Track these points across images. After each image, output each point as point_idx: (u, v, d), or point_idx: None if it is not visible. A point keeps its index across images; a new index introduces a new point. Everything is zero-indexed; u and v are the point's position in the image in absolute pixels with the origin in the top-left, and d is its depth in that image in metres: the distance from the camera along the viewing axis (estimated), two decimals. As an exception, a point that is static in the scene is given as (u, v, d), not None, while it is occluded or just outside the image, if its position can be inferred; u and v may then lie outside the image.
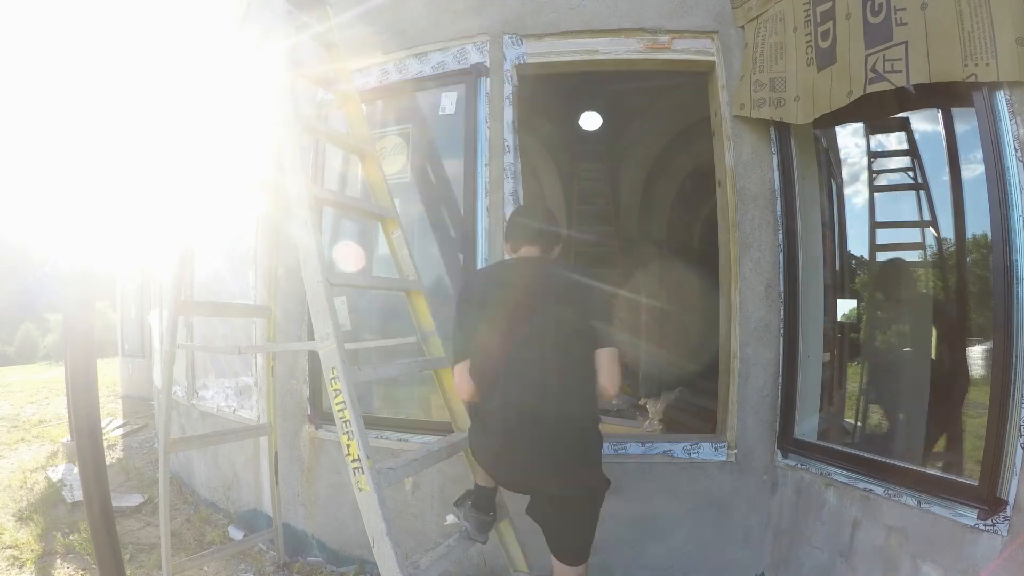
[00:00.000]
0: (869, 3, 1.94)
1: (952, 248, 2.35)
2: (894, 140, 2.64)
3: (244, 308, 3.20)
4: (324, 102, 3.12)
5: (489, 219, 2.69)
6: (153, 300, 5.89)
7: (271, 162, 2.94)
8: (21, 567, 3.00)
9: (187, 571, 2.71)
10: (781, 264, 2.48)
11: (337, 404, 1.69)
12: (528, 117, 2.98)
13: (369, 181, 2.46)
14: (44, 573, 2.94)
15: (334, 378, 1.70)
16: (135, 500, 3.93)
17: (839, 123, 2.59)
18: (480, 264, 2.72)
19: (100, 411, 2.57)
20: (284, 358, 3.12)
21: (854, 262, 2.79)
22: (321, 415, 3.05)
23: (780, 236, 2.48)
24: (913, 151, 2.54)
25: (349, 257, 2.96)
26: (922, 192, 2.58)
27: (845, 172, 2.71)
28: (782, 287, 2.47)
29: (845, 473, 2.16)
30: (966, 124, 2.04)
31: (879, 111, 2.44)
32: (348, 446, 1.66)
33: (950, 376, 2.32)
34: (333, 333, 1.70)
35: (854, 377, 2.76)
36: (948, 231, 2.40)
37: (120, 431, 6.50)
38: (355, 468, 1.65)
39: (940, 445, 2.39)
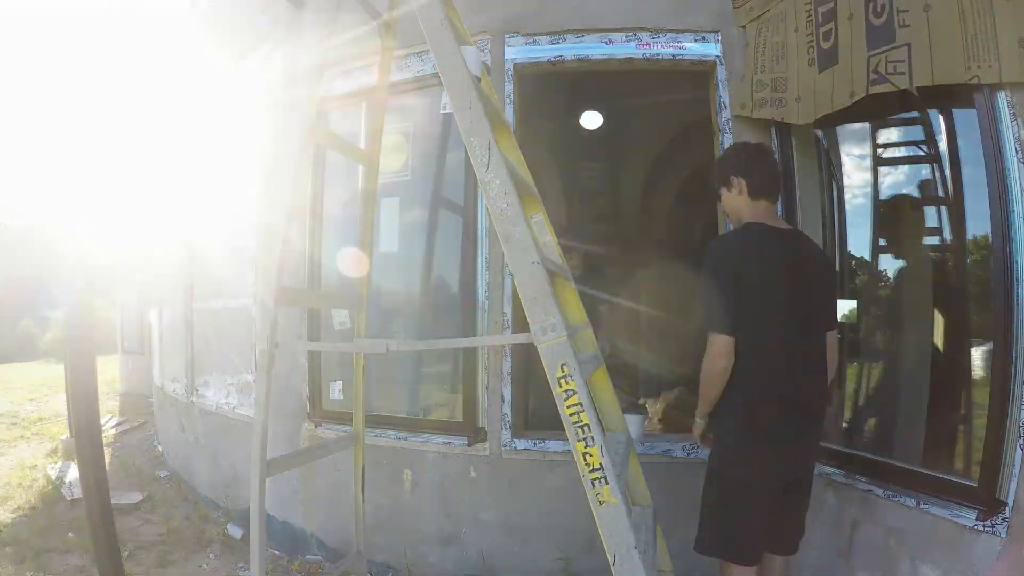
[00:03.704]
0: (872, 4, 1.93)
1: (952, 249, 2.35)
2: (894, 140, 2.64)
3: (340, 298, 2.79)
4: (325, 99, 3.12)
5: (490, 218, 2.68)
6: (153, 298, 5.89)
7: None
8: (20, 564, 3.00)
9: (182, 567, 2.72)
10: (781, 264, 2.47)
11: (570, 408, 1.39)
12: (528, 116, 2.98)
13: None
14: (43, 570, 2.94)
15: (564, 376, 1.39)
16: (134, 498, 3.93)
17: (839, 123, 2.59)
18: (480, 262, 2.72)
19: (100, 408, 2.58)
20: (284, 357, 3.12)
21: (854, 262, 2.79)
22: (321, 413, 3.06)
23: (780, 236, 2.48)
24: (913, 152, 2.54)
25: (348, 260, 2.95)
26: (922, 192, 2.58)
27: (845, 172, 2.70)
28: (782, 287, 2.47)
29: (844, 473, 2.16)
30: (967, 125, 2.04)
31: (880, 111, 2.43)
32: (586, 455, 1.39)
33: (950, 377, 2.32)
34: (562, 323, 1.40)
35: (853, 377, 2.76)
36: (948, 232, 2.40)
37: (119, 428, 6.51)
38: (595, 479, 1.40)
39: (939, 446, 2.39)
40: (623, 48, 2.64)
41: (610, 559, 1.38)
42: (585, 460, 1.41)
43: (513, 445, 2.64)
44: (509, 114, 2.70)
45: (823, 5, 2.15)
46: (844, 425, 2.70)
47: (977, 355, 2.12)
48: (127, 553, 3.00)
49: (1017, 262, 1.65)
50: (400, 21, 2.90)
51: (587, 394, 1.39)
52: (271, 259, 1.73)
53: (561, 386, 1.40)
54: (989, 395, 1.70)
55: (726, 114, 2.56)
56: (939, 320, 2.50)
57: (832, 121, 2.41)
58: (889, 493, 1.95)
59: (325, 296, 2.96)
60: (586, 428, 1.40)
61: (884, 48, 1.88)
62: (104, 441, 3.66)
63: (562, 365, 1.41)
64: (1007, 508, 1.61)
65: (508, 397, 2.65)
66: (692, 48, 2.61)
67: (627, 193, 5.97)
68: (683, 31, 2.61)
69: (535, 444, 2.63)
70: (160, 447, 5.32)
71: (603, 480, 1.40)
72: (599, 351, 1.99)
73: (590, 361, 1.81)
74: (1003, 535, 1.60)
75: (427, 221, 3.05)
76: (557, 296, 1.59)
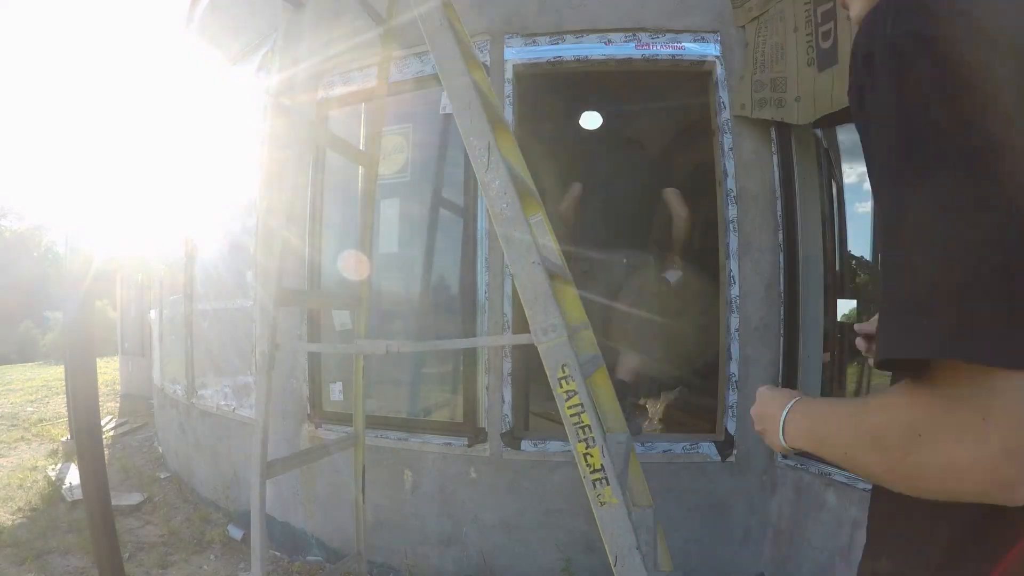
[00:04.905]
0: (870, 3, 1.93)
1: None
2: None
3: (340, 299, 2.90)
4: (323, 100, 3.12)
5: (490, 218, 2.68)
6: (153, 299, 5.89)
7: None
8: (20, 565, 3.00)
9: (182, 568, 2.72)
10: (781, 264, 2.48)
11: (571, 408, 1.39)
12: (528, 116, 2.98)
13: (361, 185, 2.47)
14: (44, 572, 2.94)
15: (565, 377, 1.39)
16: (135, 499, 3.93)
17: (840, 123, 2.59)
18: (480, 263, 2.71)
19: (100, 410, 2.58)
20: (284, 358, 3.12)
21: (854, 262, 2.79)
22: (321, 414, 3.06)
23: (780, 236, 2.48)
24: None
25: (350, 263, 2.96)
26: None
27: (845, 172, 2.71)
28: (782, 287, 2.47)
29: (845, 473, 2.16)
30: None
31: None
32: (587, 455, 1.39)
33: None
34: (563, 324, 1.41)
35: (854, 377, 2.77)
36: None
37: (120, 430, 6.51)
38: (596, 480, 1.39)
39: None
40: (622, 48, 2.64)
41: (611, 560, 1.38)
42: (586, 461, 1.40)
43: (513, 446, 2.64)
44: (508, 114, 2.70)
45: (822, 5, 2.16)
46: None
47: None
48: (127, 554, 2.99)
49: (1017, 261, 1.65)
50: (400, 23, 2.91)
51: (588, 395, 1.39)
52: (271, 260, 1.74)
53: (562, 387, 1.40)
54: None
55: (725, 114, 2.56)
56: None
57: (832, 121, 2.41)
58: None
59: (324, 296, 2.97)
60: (587, 429, 1.39)
61: None
62: (104, 442, 3.66)
63: (563, 366, 1.40)
64: (1008, 508, 1.61)
65: (508, 398, 2.65)
66: (691, 48, 2.61)
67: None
68: (682, 31, 2.61)
69: (535, 445, 2.63)
70: (160, 448, 5.32)
71: (604, 481, 1.39)
72: (599, 352, 1.98)
73: (591, 362, 1.79)
74: (1004, 535, 1.60)
75: (427, 222, 3.05)
76: (557, 297, 1.56)
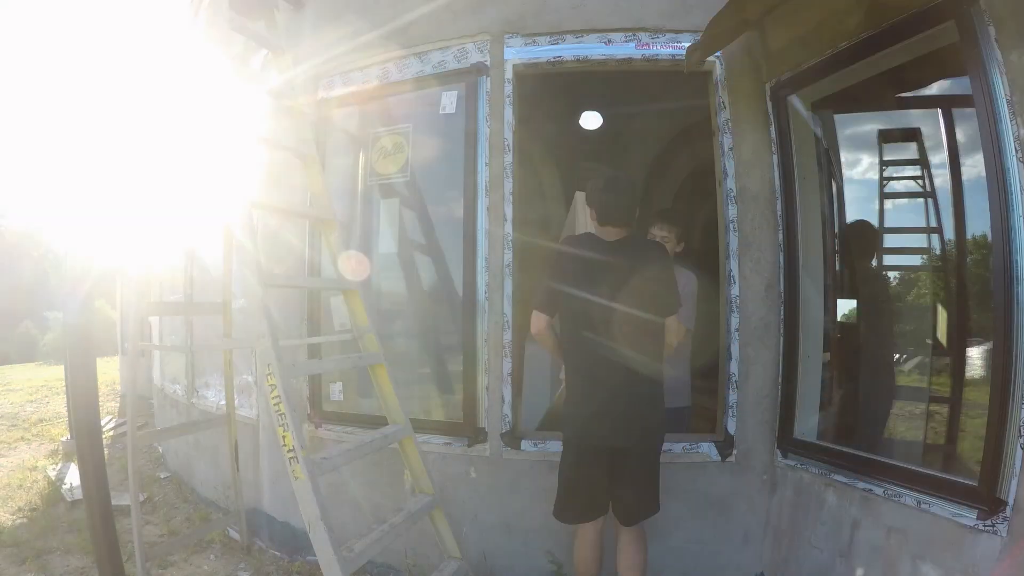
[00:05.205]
0: None
1: (952, 248, 2.35)
2: (894, 140, 2.64)
3: (201, 306, 3.26)
4: (322, 100, 3.11)
5: (489, 218, 2.68)
6: (153, 299, 5.88)
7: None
8: (21, 565, 3.00)
9: (182, 568, 2.71)
10: (781, 264, 2.48)
11: (273, 398, 1.76)
12: (528, 116, 2.98)
13: (309, 184, 2.52)
14: (44, 571, 2.94)
15: (269, 373, 1.78)
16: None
17: (838, 113, 2.58)
18: (480, 263, 2.71)
19: (100, 410, 2.57)
20: (286, 356, 3.11)
21: (854, 262, 2.79)
22: (321, 414, 3.05)
23: (780, 236, 2.48)
24: (914, 151, 2.54)
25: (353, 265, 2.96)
26: (923, 192, 2.58)
27: (845, 172, 2.70)
28: (782, 287, 2.47)
29: (845, 473, 2.16)
30: (966, 124, 2.04)
31: (879, 111, 2.44)
32: (284, 437, 1.72)
33: (950, 376, 2.32)
34: (268, 332, 1.79)
35: (853, 376, 2.76)
36: (948, 231, 2.40)
37: (119, 430, 6.51)
38: (291, 458, 1.70)
39: (940, 445, 2.39)
40: (622, 48, 2.64)
41: (306, 526, 1.69)
42: (283, 441, 1.72)
43: (513, 446, 2.63)
44: (508, 114, 2.70)
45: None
46: (844, 424, 2.70)
47: (977, 354, 2.12)
48: (127, 555, 2.99)
49: (1017, 261, 1.65)
50: (402, 21, 2.91)
51: (286, 388, 1.77)
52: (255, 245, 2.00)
53: (268, 381, 1.77)
54: (989, 394, 1.70)
55: (725, 114, 2.56)
56: (939, 319, 2.51)
57: (832, 110, 2.39)
58: (889, 493, 1.95)
59: (314, 282, 3.07)
60: (283, 416, 1.73)
61: None
62: (104, 442, 3.66)
63: (268, 364, 1.78)
64: (1008, 507, 1.61)
65: (508, 398, 2.65)
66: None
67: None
68: (682, 31, 2.61)
69: (535, 445, 2.63)
70: (160, 448, 5.32)
71: (295, 459, 1.68)
72: (380, 350, 2.32)
73: (372, 357, 2.29)
74: (1004, 535, 1.60)
75: (427, 222, 3.04)
76: (350, 305, 2.33)
